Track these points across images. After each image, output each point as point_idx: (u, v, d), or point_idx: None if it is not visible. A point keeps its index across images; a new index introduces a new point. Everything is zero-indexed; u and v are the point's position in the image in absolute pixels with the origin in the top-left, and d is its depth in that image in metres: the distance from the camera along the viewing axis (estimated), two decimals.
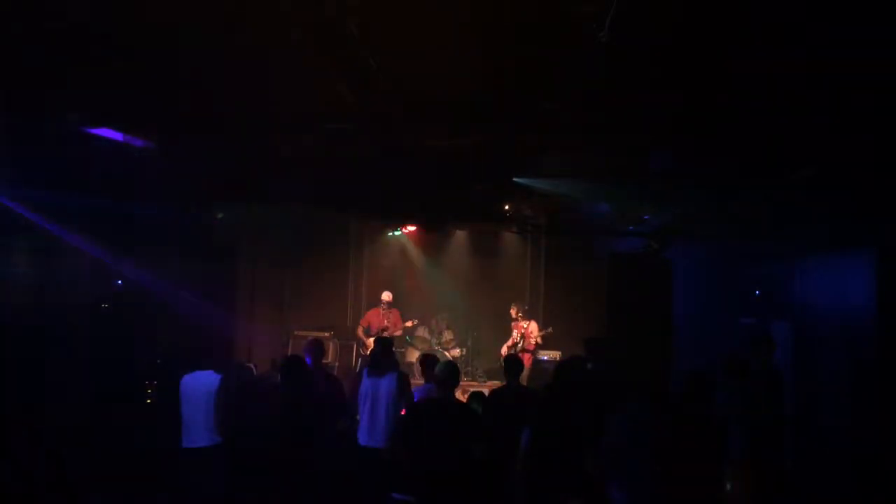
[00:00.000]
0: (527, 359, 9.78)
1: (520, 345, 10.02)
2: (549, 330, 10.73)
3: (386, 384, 5.63)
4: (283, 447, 5.36)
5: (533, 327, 10.12)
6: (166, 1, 3.89)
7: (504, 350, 10.20)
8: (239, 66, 4.76)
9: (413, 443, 4.84)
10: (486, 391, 6.42)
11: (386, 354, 5.94)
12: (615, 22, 3.55)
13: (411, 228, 11.10)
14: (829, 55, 4.05)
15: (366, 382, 5.73)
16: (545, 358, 10.19)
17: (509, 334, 10.35)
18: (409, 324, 10.66)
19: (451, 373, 5.15)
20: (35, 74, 4.83)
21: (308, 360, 5.89)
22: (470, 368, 10.86)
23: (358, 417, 5.80)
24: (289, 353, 9.84)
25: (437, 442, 4.72)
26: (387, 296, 10.44)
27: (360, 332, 10.41)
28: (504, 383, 5.84)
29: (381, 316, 10.29)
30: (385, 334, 9.58)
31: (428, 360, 5.99)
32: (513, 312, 10.27)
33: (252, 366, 8.69)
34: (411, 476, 4.81)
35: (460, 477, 4.70)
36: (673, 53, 4.28)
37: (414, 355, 10.73)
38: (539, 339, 10.13)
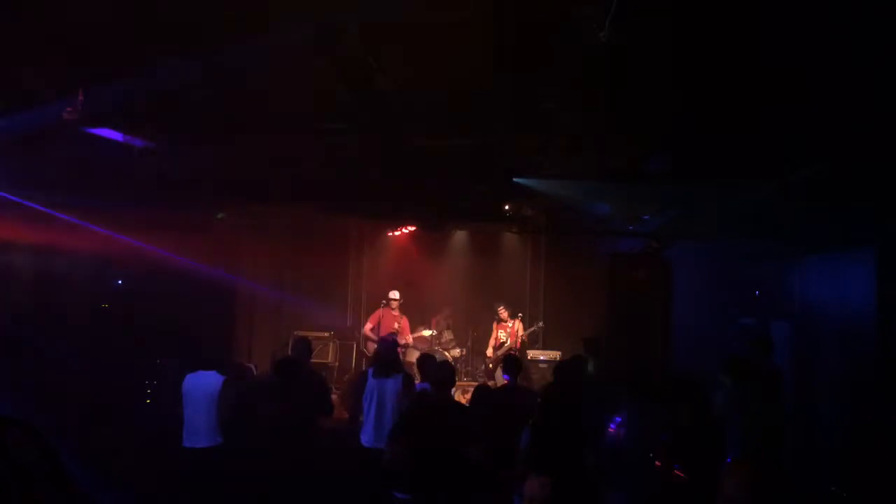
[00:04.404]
0: None
1: (506, 344, 9.94)
2: (541, 324, 10.71)
3: (392, 385, 5.62)
4: (284, 446, 5.36)
5: (518, 326, 10.04)
6: (167, 2, 3.89)
7: (490, 352, 10.15)
8: (239, 65, 4.76)
9: (411, 442, 4.85)
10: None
11: (391, 355, 5.92)
12: (615, 22, 3.55)
13: (411, 228, 11.08)
14: (829, 54, 4.05)
15: (371, 383, 5.72)
16: (543, 358, 10.17)
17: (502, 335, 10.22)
18: (425, 333, 10.39)
19: (448, 373, 5.16)
20: (36, 74, 4.83)
21: (298, 358, 5.91)
22: (470, 368, 10.87)
23: (361, 418, 5.80)
24: (289, 353, 9.85)
25: (435, 441, 4.72)
26: (395, 294, 10.02)
27: (367, 329, 10.01)
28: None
29: (392, 319, 9.95)
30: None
31: (426, 361, 5.99)
32: (503, 314, 10.14)
33: (252, 366, 8.70)
34: (410, 475, 4.81)
35: (459, 476, 4.70)
36: (673, 53, 4.28)
37: (414, 355, 10.71)
38: (525, 338, 10.07)
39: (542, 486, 3.73)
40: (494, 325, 10.22)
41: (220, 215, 9.65)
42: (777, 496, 2.25)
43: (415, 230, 11.16)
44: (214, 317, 9.13)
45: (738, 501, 2.23)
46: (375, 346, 9.52)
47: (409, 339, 10.04)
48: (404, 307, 10.52)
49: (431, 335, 10.54)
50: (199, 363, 5.82)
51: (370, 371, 5.85)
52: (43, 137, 5.73)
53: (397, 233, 11.59)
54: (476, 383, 9.16)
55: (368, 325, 10.06)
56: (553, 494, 3.64)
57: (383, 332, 9.56)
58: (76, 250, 7.56)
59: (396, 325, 9.90)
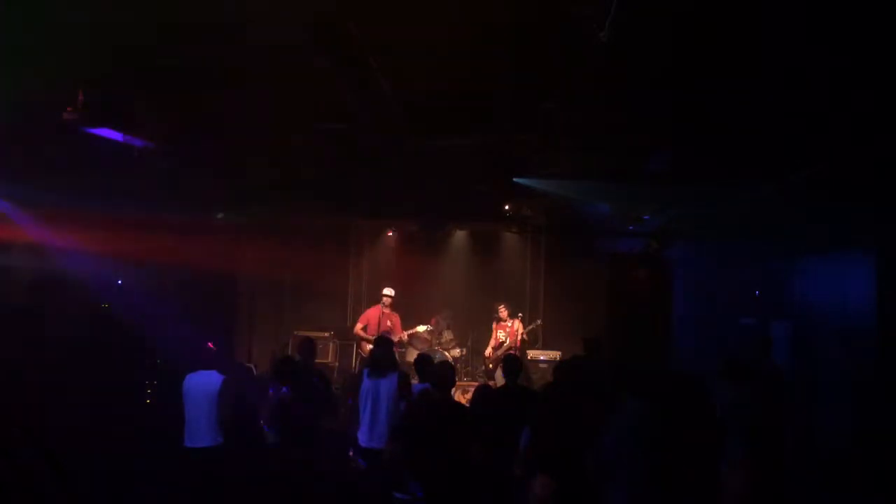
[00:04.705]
0: None
1: (505, 344, 9.92)
2: (539, 322, 10.70)
3: (386, 385, 5.62)
4: (283, 446, 5.37)
5: (518, 325, 10.00)
6: (168, 1, 3.89)
7: (489, 352, 10.11)
8: (239, 65, 4.76)
9: (410, 443, 4.84)
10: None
11: (386, 355, 5.92)
12: (615, 22, 3.55)
13: (411, 228, 11.05)
14: (829, 54, 4.05)
15: (366, 383, 5.72)
16: (543, 358, 10.16)
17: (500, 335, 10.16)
18: (420, 330, 10.24)
19: (448, 373, 5.16)
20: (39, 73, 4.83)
21: (299, 358, 5.92)
22: (470, 368, 10.86)
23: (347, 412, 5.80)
24: (289, 354, 9.84)
25: (434, 442, 4.72)
26: (389, 291, 9.74)
27: (358, 329, 9.76)
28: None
29: (384, 317, 9.69)
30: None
31: (422, 361, 5.98)
32: (503, 313, 10.07)
33: (252, 366, 8.70)
34: (410, 476, 4.81)
35: (458, 476, 4.70)
36: (673, 53, 4.28)
37: (414, 355, 10.68)
38: (525, 336, 10.05)
39: (543, 486, 3.73)
40: (494, 324, 10.19)
41: (220, 215, 9.65)
42: (778, 494, 2.27)
43: (414, 230, 11.15)
44: (214, 317, 9.12)
45: (741, 499, 2.25)
46: (368, 345, 9.48)
47: (404, 335, 9.95)
48: (405, 307, 10.46)
49: (427, 330, 10.48)
50: (199, 363, 5.83)
51: (365, 371, 5.85)
52: (43, 137, 5.74)
53: (397, 233, 11.57)
54: (476, 383, 9.17)
55: (359, 326, 9.81)
56: (554, 494, 3.63)
57: (374, 331, 9.47)
58: (76, 250, 7.56)
59: (389, 324, 9.66)
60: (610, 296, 9.10)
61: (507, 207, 8.99)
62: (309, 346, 6.12)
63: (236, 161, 7.09)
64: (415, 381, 6.04)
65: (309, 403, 5.53)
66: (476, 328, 11.03)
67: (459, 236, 11.82)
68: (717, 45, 4.12)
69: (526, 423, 4.70)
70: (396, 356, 7.08)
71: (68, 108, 5.03)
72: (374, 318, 9.73)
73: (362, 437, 5.63)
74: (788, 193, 6.29)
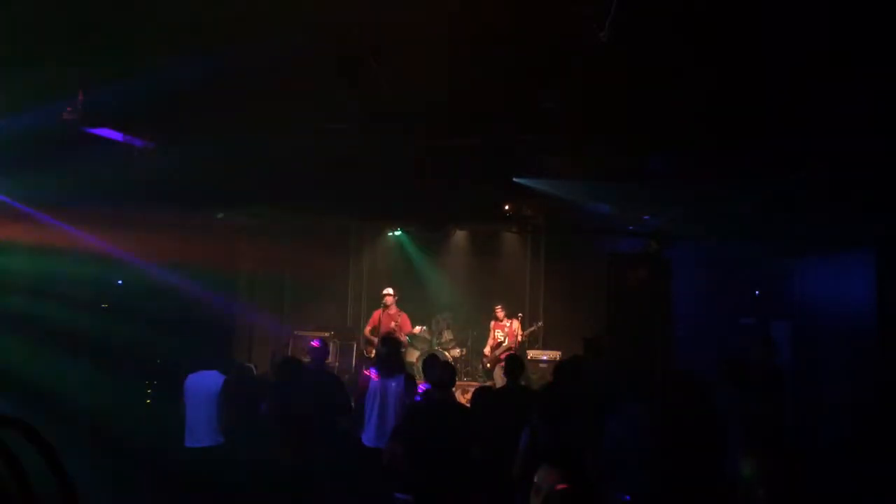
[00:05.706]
0: None
1: (503, 344, 9.93)
2: (539, 324, 10.70)
3: (394, 385, 5.61)
4: (283, 445, 5.37)
5: (516, 326, 10.01)
6: (169, 1, 3.89)
7: (487, 351, 10.13)
8: (240, 65, 4.76)
9: (411, 443, 4.84)
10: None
11: (394, 356, 5.90)
12: (615, 22, 3.55)
13: (410, 228, 11.08)
14: (829, 54, 4.05)
15: (374, 383, 5.71)
16: (543, 358, 10.16)
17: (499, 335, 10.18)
18: (416, 330, 10.39)
19: (448, 373, 5.16)
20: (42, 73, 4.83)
21: (311, 359, 5.91)
22: (470, 368, 10.86)
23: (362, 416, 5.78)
24: (289, 353, 9.84)
25: (435, 442, 4.72)
26: (388, 291, 9.92)
27: (366, 332, 9.96)
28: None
29: (388, 318, 9.84)
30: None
31: (428, 361, 5.97)
32: (500, 313, 10.10)
33: (252, 366, 8.69)
34: (410, 476, 4.81)
35: (458, 477, 4.70)
36: (673, 53, 4.28)
37: (414, 355, 10.70)
38: (525, 337, 10.03)
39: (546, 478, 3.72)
40: (492, 324, 10.20)
41: (220, 215, 9.64)
42: (790, 480, 2.28)
43: (414, 230, 11.14)
44: (214, 316, 9.11)
45: (754, 485, 2.26)
46: (375, 348, 9.50)
47: (403, 336, 9.99)
48: (405, 307, 10.49)
49: (422, 329, 10.55)
50: (199, 363, 5.83)
51: (373, 371, 5.85)
52: (43, 137, 5.73)
53: (397, 233, 11.57)
54: (476, 383, 9.17)
55: (367, 328, 10.00)
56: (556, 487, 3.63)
57: (383, 332, 9.50)
58: (76, 250, 7.56)
59: (394, 324, 9.75)
60: (610, 296, 9.08)
61: (507, 207, 8.98)
62: (323, 348, 6.08)
63: (236, 161, 7.07)
64: (421, 383, 6.03)
65: (324, 404, 5.53)
66: (476, 328, 11.04)
67: (459, 236, 11.82)
68: (717, 44, 4.12)
69: (526, 423, 4.70)
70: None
71: (68, 108, 5.03)
72: (384, 321, 9.86)
73: (368, 438, 5.62)
74: (788, 193, 6.29)
